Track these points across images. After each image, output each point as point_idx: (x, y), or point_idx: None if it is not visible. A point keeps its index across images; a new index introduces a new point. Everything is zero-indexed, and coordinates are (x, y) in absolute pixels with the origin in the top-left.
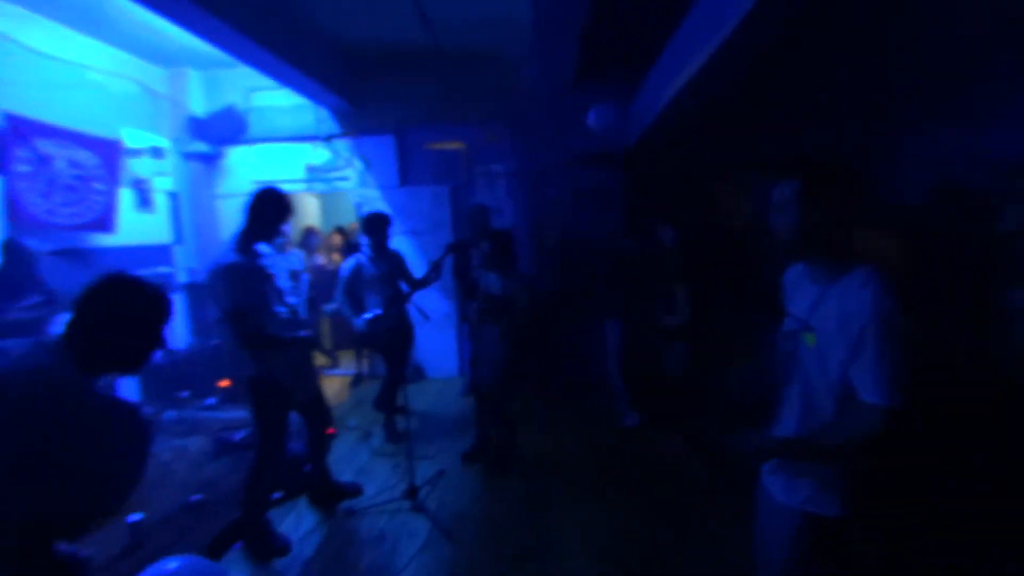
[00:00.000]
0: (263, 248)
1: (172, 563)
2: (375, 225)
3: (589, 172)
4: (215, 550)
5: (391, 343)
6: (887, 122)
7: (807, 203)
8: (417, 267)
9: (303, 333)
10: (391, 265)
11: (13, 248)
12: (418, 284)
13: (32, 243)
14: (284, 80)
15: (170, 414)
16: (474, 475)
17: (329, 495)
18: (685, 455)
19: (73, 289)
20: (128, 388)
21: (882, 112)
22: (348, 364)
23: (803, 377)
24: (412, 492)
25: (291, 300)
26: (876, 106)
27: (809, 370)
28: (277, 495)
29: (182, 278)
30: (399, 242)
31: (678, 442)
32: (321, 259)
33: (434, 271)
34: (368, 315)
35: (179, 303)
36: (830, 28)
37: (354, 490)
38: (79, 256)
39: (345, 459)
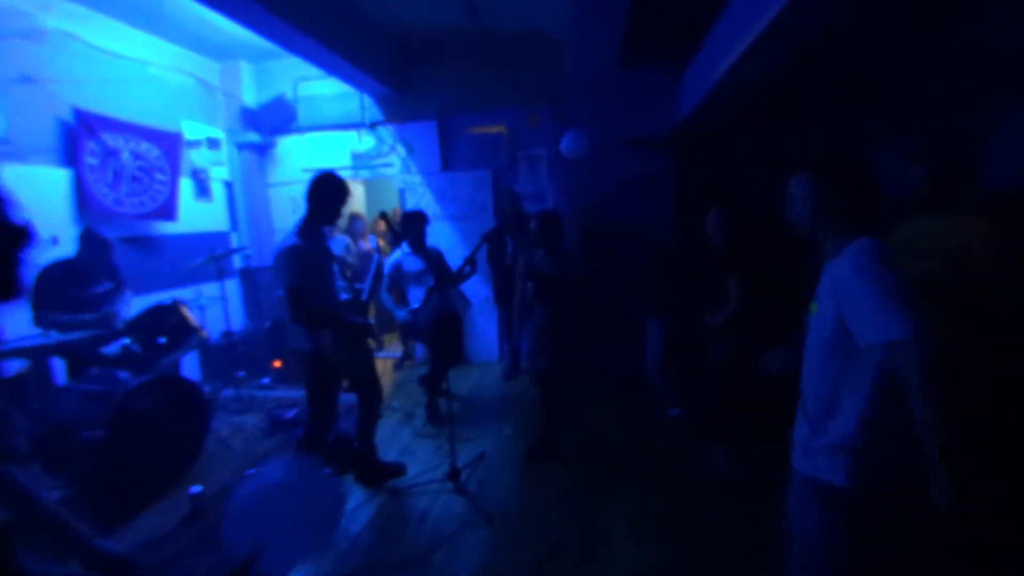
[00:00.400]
0: (326, 231)
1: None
2: (412, 223)
3: (636, 156)
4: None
5: (433, 332)
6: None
7: (810, 194)
8: (459, 251)
9: (359, 319)
10: (429, 261)
11: (91, 236)
12: (455, 278)
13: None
14: (331, 69)
15: (228, 393)
16: (514, 459)
17: (375, 473)
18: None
19: (140, 275)
20: (190, 367)
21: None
22: (394, 347)
23: (809, 343)
24: (454, 474)
25: (356, 285)
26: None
27: (811, 335)
28: (326, 471)
29: (237, 263)
30: (442, 228)
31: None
32: (365, 245)
33: (469, 264)
34: (407, 309)
35: (235, 287)
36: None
37: (398, 469)
38: (145, 243)
39: (389, 439)
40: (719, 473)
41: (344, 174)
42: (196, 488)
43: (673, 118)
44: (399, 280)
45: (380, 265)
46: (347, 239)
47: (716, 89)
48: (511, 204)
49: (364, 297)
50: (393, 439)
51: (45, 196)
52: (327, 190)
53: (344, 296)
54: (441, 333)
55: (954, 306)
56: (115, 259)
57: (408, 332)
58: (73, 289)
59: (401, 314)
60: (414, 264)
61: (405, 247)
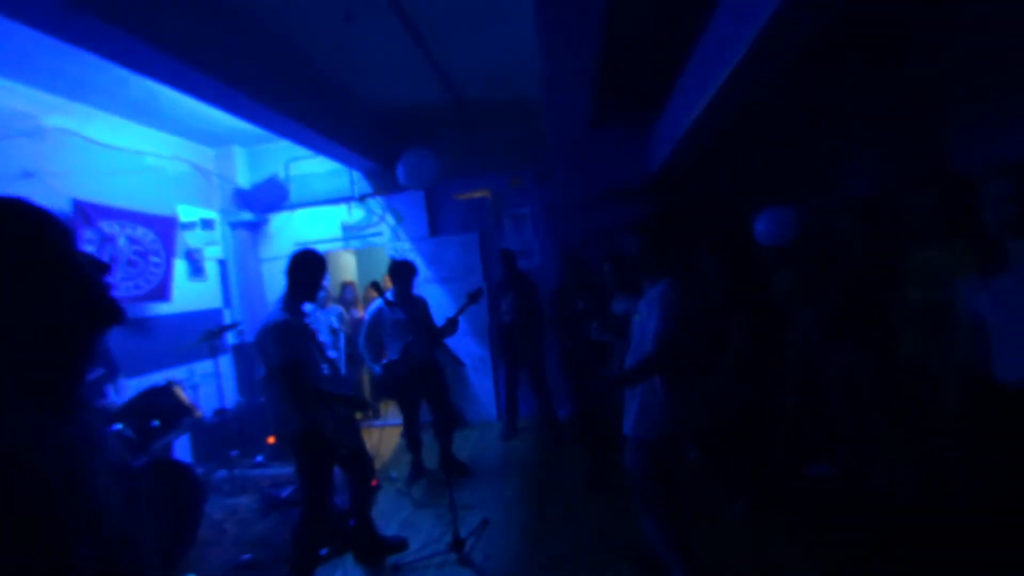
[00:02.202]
0: (307, 307)
1: None
2: (400, 272)
3: (614, 207)
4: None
5: (407, 388)
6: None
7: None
8: (449, 313)
9: (349, 391)
10: (414, 312)
11: None
12: (438, 334)
13: None
14: (320, 149)
15: (221, 473)
16: (519, 523)
17: (375, 550)
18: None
19: (134, 357)
20: (181, 449)
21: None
22: (391, 414)
23: (634, 343)
24: (458, 544)
25: (331, 355)
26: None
27: (636, 337)
28: (324, 551)
29: (230, 339)
30: (433, 290)
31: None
32: (358, 313)
33: (451, 325)
34: (384, 361)
35: (228, 363)
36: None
37: (399, 544)
38: (139, 325)
39: (388, 512)
40: (739, 517)
41: (336, 245)
42: None
43: (647, 168)
44: (378, 331)
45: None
46: (340, 308)
47: (685, 137)
48: (510, 263)
49: (342, 370)
50: (392, 512)
51: None
52: (304, 265)
53: (322, 366)
54: (415, 385)
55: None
56: (106, 344)
57: (380, 388)
58: None
59: (377, 369)
60: (394, 314)
61: (389, 296)
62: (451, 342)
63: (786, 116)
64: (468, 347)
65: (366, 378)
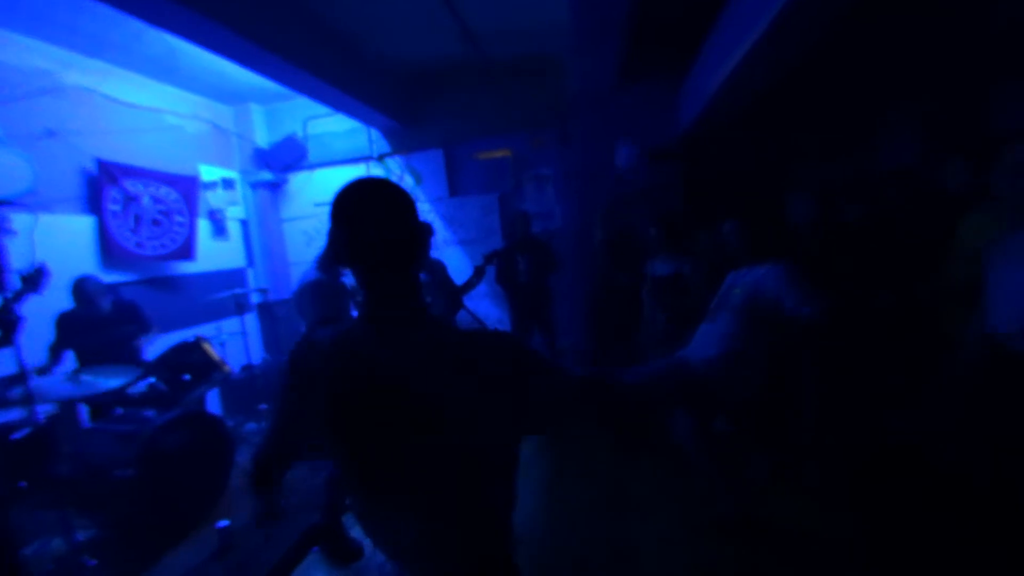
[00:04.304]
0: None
1: None
2: None
3: (642, 169)
4: (293, 555)
5: None
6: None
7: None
8: (466, 276)
9: None
10: (433, 274)
11: (84, 287)
12: (460, 290)
13: (125, 275)
14: (338, 107)
15: (250, 426)
16: (535, 480)
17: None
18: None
19: (163, 314)
20: (211, 402)
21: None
22: None
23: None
24: None
25: None
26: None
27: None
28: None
29: (255, 298)
30: (451, 252)
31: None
32: None
33: (477, 276)
34: None
35: (253, 321)
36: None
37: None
38: (166, 283)
39: None
40: (758, 484)
41: None
42: (223, 522)
43: (676, 129)
44: None
45: None
46: None
47: (716, 97)
48: (523, 225)
49: None
50: None
51: (71, 243)
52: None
53: None
54: None
55: None
56: (131, 303)
57: None
58: (91, 336)
59: None
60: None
61: None
62: (469, 303)
63: (825, 81)
64: (486, 309)
65: None
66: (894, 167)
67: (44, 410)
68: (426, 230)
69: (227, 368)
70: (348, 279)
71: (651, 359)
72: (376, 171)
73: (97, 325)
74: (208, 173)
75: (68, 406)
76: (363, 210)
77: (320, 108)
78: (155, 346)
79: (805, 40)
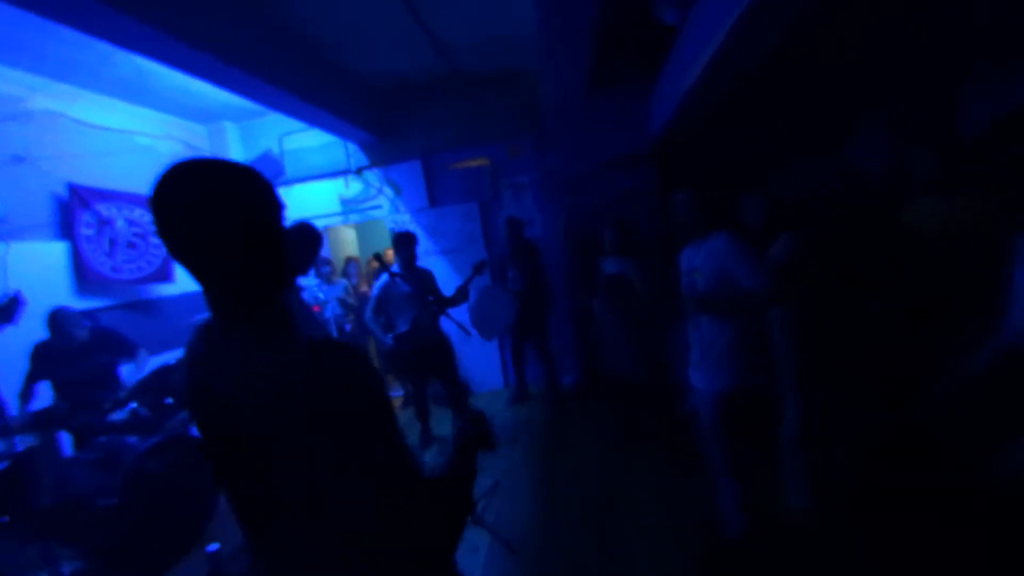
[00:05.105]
0: (303, 281)
1: None
2: (402, 244)
3: (618, 176)
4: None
5: (417, 360)
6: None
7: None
8: (453, 285)
9: None
10: (420, 283)
11: (59, 319)
12: (446, 303)
13: (101, 300)
14: (313, 122)
15: None
16: (529, 486)
17: None
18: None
19: (142, 338)
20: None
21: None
22: (396, 386)
23: None
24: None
25: (346, 328)
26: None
27: None
28: None
29: None
30: (434, 262)
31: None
32: (363, 287)
33: (461, 293)
34: (393, 334)
35: None
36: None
37: None
38: (144, 307)
39: None
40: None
41: (335, 220)
42: (213, 546)
43: (647, 133)
44: (386, 304)
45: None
46: (345, 282)
47: (687, 98)
48: (516, 231)
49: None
50: None
51: (44, 270)
52: (297, 240)
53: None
54: (425, 358)
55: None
56: (110, 330)
57: (391, 363)
58: (67, 367)
59: (388, 341)
60: (401, 287)
61: (395, 268)
62: (456, 312)
63: (794, 80)
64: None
65: (373, 352)
66: (862, 166)
67: (23, 441)
68: (410, 238)
69: None
70: (332, 289)
71: (609, 361)
72: (355, 185)
73: (74, 355)
74: None
75: (48, 436)
76: (173, 206)
77: (295, 124)
78: (148, 366)
79: (769, 41)
